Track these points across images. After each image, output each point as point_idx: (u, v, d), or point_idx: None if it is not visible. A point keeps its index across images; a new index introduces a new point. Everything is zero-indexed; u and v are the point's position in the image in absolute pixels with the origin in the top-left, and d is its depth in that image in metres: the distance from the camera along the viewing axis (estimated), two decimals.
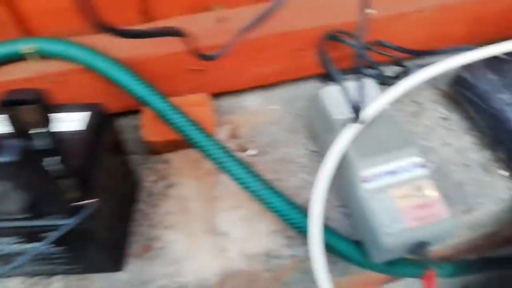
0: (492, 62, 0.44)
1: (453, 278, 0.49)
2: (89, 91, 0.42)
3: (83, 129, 0.28)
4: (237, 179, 0.36)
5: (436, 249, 0.50)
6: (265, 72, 0.47)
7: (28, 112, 0.22)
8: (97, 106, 0.30)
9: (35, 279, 0.35)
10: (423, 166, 0.36)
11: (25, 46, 0.39)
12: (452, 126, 0.47)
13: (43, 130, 0.23)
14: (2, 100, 0.22)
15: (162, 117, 0.37)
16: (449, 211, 0.34)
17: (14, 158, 0.22)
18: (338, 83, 0.35)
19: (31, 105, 0.22)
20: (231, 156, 0.36)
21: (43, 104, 0.22)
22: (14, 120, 0.22)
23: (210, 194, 0.41)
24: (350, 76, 0.45)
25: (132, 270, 0.36)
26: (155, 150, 0.43)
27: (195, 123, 0.37)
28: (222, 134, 0.46)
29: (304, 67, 0.47)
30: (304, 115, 0.47)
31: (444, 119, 0.47)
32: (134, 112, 0.45)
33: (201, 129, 0.37)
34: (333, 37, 0.43)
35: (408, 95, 0.50)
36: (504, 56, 0.42)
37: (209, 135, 0.36)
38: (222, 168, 0.36)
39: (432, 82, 0.51)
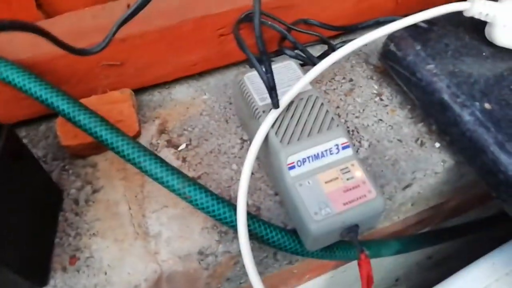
0: (418, 33, 0.43)
1: (402, 254, 0.50)
2: None
3: None
4: (155, 178, 0.34)
5: (383, 227, 0.50)
6: (191, 61, 0.45)
7: None
8: None
9: None
10: (348, 147, 0.36)
11: None
12: (385, 101, 0.46)
13: None
14: None
15: (70, 120, 0.34)
16: (376, 192, 0.34)
17: None
18: (255, 67, 0.34)
19: None
20: (150, 155, 0.34)
21: None
22: None
23: (139, 195, 0.39)
24: (275, 59, 0.44)
25: (58, 284, 0.34)
26: (76, 154, 0.40)
27: (106, 123, 0.34)
28: (150, 130, 0.44)
29: (230, 53, 0.45)
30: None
31: (377, 95, 0.47)
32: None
33: (113, 129, 0.34)
34: (252, 18, 0.41)
35: (341, 73, 0.49)
36: (426, 25, 0.42)
37: (123, 135, 0.34)
38: (139, 168, 0.34)
39: (364, 58, 0.50)
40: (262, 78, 0.35)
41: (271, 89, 0.32)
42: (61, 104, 0.35)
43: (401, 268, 0.80)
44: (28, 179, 0.34)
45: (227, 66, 0.49)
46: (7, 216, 0.30)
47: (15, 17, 0.28)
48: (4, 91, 0.39)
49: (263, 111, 0.37)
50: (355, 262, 0.59)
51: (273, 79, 0.32)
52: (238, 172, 0.41)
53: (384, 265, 0.73)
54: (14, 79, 0.36)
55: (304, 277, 0.53)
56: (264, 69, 0.32)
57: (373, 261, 0.65)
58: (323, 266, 0.54)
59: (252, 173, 0.41)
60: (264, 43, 0.30)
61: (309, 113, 0.37)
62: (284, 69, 0.41)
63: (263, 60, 0.31)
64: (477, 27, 0.43)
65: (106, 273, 0.35)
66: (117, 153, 0.35)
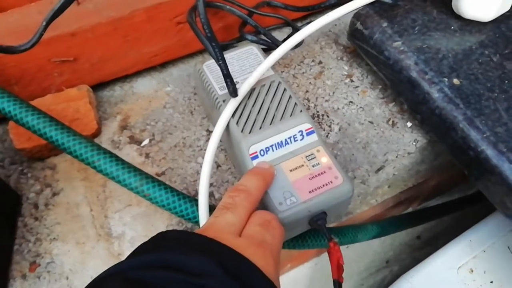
0: (383, 10, 0.41)
1: (381, 237, 0.48)
2: None
3: None
4: (111, 177, 0.32)
5: (362, 212, 0.49)
6: (150, 52, 0.43)
7: None
8: None
9: None
10: (313, 132, 0.34)
11: None
12: (355, 83, 0.45)
13: None
14: None
15: (17, 122, 0.33)
16: (342, 177, 0.32)
17: None
18: (211, 55, 0.32)
19: None
20: (104, 154, 0.32)
21: None
22: None
23: (101, 196, 0.38)
24: (237, 45, 0.42)
25: None
26: (34, 156, 0.39)
27: (56, 123, 0.33)
28: (111, 126, 0.42)
29: (191, 42, 0.44)
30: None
31: (347, 76, 0.45)
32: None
33: (64, 128, 0.32)
34: (210, 4, 0.39)
35: (310, 56, 0.47)
36: (391, 1, 0.40)
37: (74, 134, 0.32)
38: (93, 168, 0.32)
39: (334, 38, 0.49)
40: (220, 67, 0.33)
41: (226, 76, 0.31)
42: (7, 106, 0.33)
43: (390, 249, 0.80)
44: None
45: (191, 55, 0.47)
46: None
47: None
48: None
49: (223, 101, 0.36)
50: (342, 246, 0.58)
51: (226, 66, 0.30)
52: None
53: (373, 248, 0.72)
54: None
55: (285, 266, 0.52)
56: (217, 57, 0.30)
57: (361, 245, 0.65)
58: (304, 255, 0.53)
59: (219, 165, 0.39)
60: (211, 28, 0.28)
61: (271, 100, 0.35)
62: (245, 54, 0.39)
63: (212, 48, 0.29)
64: (444, 0, 0.41)
65: (67, 278, 0.33)
66: (70, 153, 0.33)
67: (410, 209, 0.58)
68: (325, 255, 0.58)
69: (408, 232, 0.75)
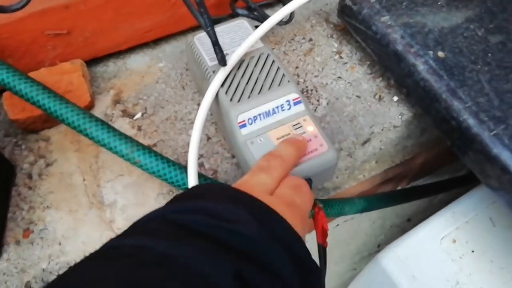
0: None
1: (367, 211, 0.49)
2: None
3: None
4: (103, 144, 0.33)
5: (350, 187, 0.50)
6: (143, 27, 0.44)
7: None
8: None
9: None
10: (300, 102, 0.35)
11: None
12: (344, 59, 0.45)
13: None
14: None
15: (11, 90, 0.33)
16: (327, 145, 0.33)
17: None
18: (199, 23, 0.32)
19: None
20: (96, 122, 0.33)
21: None
22: None
23: (94, 166, 0.38)
24: (230, 20, 0.43)
25: (11, 257, 0.34)
26: (27, 128, 0.39)
27: (49, 92, 0.33)
28: (105, 101, 0.42)
29: (184, 17, 0.44)
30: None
31: (337, 53, 0.46)
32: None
33: (57, 97, 0.33)
34: None
35: (301, 33, 0.48)
36: None
37: (67, 103, 0.33)
38: (85, 135, 0.33)
39: (324, 17, 0.49)
40: (211, 39, 0.34)
41: (214, 44, 0.31)
42: (1, 73, 0.33)
43: (381, 232, 0.81)
44: None
45: (183, 33, 0.47)
46: None
47: None
48: None
49: (213, 71, 0.36)
50: (330, 226, 0.59)
51: (214, 33, 0.31)
52: None
53: (364, 230, 0.73)
54: None
55: None
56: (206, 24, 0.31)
57: (351, 225, 0.66)
58: None
59: (210, 138, 0.40)
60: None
61: (260, 71, 0.36)
62: (236, 27, 0.39)
63: (201, 14, 0.30)
64: None
65: (60, 244, 0.34)
66: (62, 121, 0.34)
67: (399, 188, 0.59)
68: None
69: (399, 214, 0.76)
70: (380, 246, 0.90)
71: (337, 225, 0.61)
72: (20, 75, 0.34)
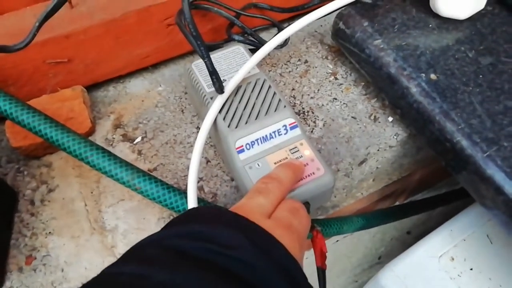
0: (364, 9, 0.43)
1: (366, 229, 0.50)
2: None
3: None
4: (104, 172, 0.34)
5: (348, 205, 0.51)
6: (142, 53, 0.45)
7: None
8: None
9: None
10: (296, 126, 0.36)
11: None
12: (339, 80, 0.46)
13: None
14: None
15: (13, 120, 0.34)
16: (324, 168, 0.34)
17: None
18: (197, 53, 0.33)
19: None
20: (97, 150, 0.34)
21: None
22: None
23: (95, 191, 0.39)
24: (226, 45, 0.44)
25: (15, 285, 0.34)
26: (30, 155, 0.40)
27: (51, 121, 0.34)
28: (105, 125, 0.43)
29: (182, 43, 0.45)
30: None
31: (332, 74, 0.47)
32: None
33: (58, 126, 0.34)
34: (198, 6, 0.41)
35: (296, 55, 0.49)
36: (370, 1, 0.42)
37: (68, 131, 0.34)
38: (87, 163, 0.34)
39: (319, 38, 0.51)
40: (207, 66, 0.35)
41: (211, 73, 0.32)
42: (3, 104, 0.34)
43: (382, 245, 0.81)
44: None
45: (181, 56, 0.49)
46: None
47: None
48: None
49: (211, 98, 0.37)
50: (328, 242, 0.59)
51: (211, 63, 0.32)
52: None
53: (364, 243, 0.74)
54: None
55: None
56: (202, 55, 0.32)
57: (351, 239, 0.66)
58: None
59: (209, 161, 0.41)
60: (196, 27, 0.30)
61: (257, 96, 0.37)
62: (232, 54, 0.41)
63: (198, 46, 0.31)
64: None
65: (63, 270, 0.35)
66: (64, 150, 0.34)
67: (397, 204, 0.60)
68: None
69: (398, 227, 0.77)
70: (381, 258, 0.90)
71: (337, 240, 0.61)
72: (22, 105, 0.35)
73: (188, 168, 0.40)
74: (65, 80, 0.43)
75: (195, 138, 0.42)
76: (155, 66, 0.48)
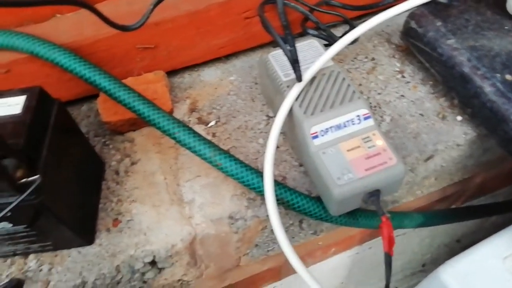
0: (438, 9, 0.44)
1: (424, 227, 0.50)
2: (39, 80, 0.43)
3: (19, 112, 0.29)
4: (189, 148, 0.37)
5: (407, 201, 0.51)
6: (218, 44, 0.48)
7: None
8: (33, 90, 0.31)
9: (11, 259, 0.37)
10: (369, 117, 0.37)
11: None
12: (406, 78, 0.47)
13: None
14: None
15: (111, 97, 0.38)
16: (396, 158, 0.35)
17: None
18: (278, 43, 0.36)
19: None
20: (183, 127, 0.37)
21: None
22: None
23: (173, 167, 0.42)
24: (299, 39, 0.46)
25: (103, 243, 0.38)
26: (116, 130, 0.44)
27: (143, 99, 0.38)
28: (182, 109, 0.47)
29: (255, 36, 0.48)
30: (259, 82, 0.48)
31: (399, 72, 0.48)
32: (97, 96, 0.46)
33: (150, 104, 0.37)
34: (275, 1, 0.43)
35: (363, 53, 0.50)
36: (446, 1, 0.43)
37: (159, 109, 0.37)
38: (174, 139, 0.37)
39: (386, 38, 0.52)
40: (286, 54, 0.37)
41: (294, 62, 0.34)
42: (103, 82, 0.38)
43: (428, 251, 0.80)
44: (76, 151, 0.38)
45: (252, 49, 0.51)
46: (63, 183, 0.34)
47: None
48: (52, 74, 0.43)
49: (287, 86, 0.39)
50: (379, 240, 0.60)
51: (295, 53, 0.34)
52: (264, 146, 0.43)
53: (411, 247, 0.73)
54: (61, 60, 0.40)
55: (329, 250, 0.55)
56: (287, 45, 0.34)
57: (401, 243, 0.66)
58: (349, 240, 0.55)
59: (278, 147, 0.43)
60: (287, 18, 0.32)
61: (332, 87, 0.39)
62: (307, 46, 0.43)
63: (286, 35, 0.33)
64: (499, 1, 0.43)
65: (145, 234, 0.38)
66: (154, 125, 0.38)
67: (453, 206, 0.59)
68: (367, 245, 0.60)
69: (449, 234, 0.76)
70: (425, 266, 0.88)
71: None
72: (120, 84, 0.39)
73: (258, 151, 0.43)
74: (149, 65, 0.46)
75: (265, 125, 0.45)
76: (227, 57, 0.51)
